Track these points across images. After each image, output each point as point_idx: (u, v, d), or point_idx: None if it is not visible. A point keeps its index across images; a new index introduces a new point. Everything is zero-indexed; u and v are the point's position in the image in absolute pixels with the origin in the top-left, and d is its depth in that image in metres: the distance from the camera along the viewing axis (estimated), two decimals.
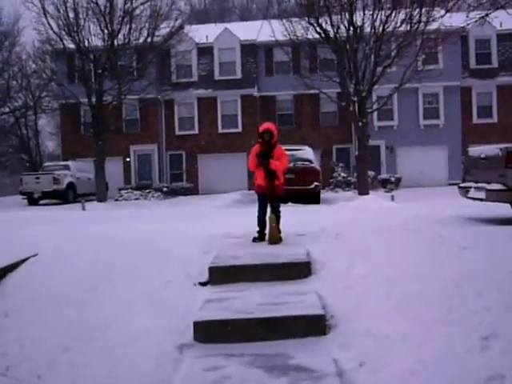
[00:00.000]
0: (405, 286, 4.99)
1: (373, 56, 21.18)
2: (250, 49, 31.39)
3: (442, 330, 4.17)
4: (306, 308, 4.66)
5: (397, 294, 4.85)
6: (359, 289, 5.11)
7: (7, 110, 42.42)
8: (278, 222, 7.27)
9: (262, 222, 7.36)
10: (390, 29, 20.71)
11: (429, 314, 4.43)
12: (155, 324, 4.59)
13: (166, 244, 6.92)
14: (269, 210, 7.34)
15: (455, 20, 21.12)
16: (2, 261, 6.20)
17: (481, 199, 8.80)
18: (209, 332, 4.44)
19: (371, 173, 25.29)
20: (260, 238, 7.32)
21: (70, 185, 24.48)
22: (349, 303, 4.83)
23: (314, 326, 4.48)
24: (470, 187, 9.14)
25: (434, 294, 4.78)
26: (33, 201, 24.07)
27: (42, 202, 24.15)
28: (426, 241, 6.52)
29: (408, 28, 20.75)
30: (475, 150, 9.38)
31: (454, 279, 5.04)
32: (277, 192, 7.41)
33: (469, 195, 9.21)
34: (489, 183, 8.44)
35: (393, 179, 27.72)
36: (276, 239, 7.11)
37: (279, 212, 7.39)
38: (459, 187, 9.77)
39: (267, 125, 7.39)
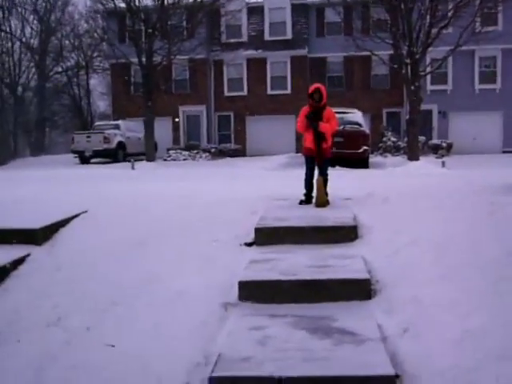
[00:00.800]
0: (454, 254, 4.89)
1: (428, 16, 20.42)
2: (300, 9, 30.76)
3: (492, 300, 4.07)
4: (352, 272, 4.64)
5: (445, 262, 4.76)
6: (406, 255, 5.03)
7: (60, 69, 43.33)
8: (325, 185, 7.22)
9: (309, 185, 7.33)
10: None
11: (479, 282, 4.32)
12: (201, 282, 4.66)
13: (214, 204, 6.98)
14: (316, 172, 7.29)
15: None
16: (55, 216, 6.39)
17: None
18: (253, 292, 4.47)
19: (422, 138, 24.68)
20: (307, 200, 7.30)
21: (120, 144, 24.85)
22: (395, 269, 4.77)
23: (359, 289, 4.45)
24: None
25: (485, 262, 4.66)
26: (84, 159, 24.61)
27: (92, 160, 24.67)
28: (478, 208, 6.34)
29: None
30: None
31: (506, 248, 4.90)
32: (325, 155, 7.34)
33: None
34: None
35: (444, 145, 27.03)
36: (323, 202, 7.07)
37: (327, 175, 7.34)
38: None
39: (317, 85, 7.28)
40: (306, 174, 7.39)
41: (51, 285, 4.81)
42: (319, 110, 7.20)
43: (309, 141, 7.32)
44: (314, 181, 7.26)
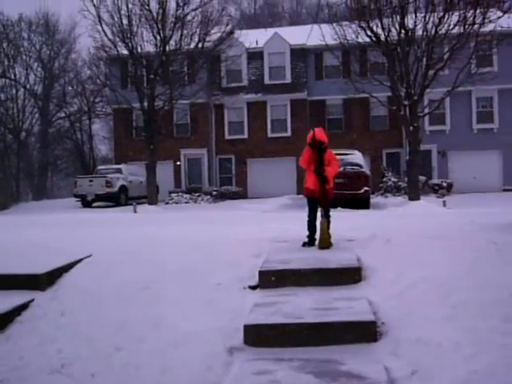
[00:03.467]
0: (458, 294, 4.88)
1: (425, 59, 20.80)
2: (299, 53, 31.38)
3: (497, 340, 4.05)
4: (357, 314, 4.62)
5: (450, 302, 4.75)
6: (411, 296, 5.02)
7: (63, 114, 43.96)
8: (328, 227, 7.24)
9: (312, 227, 7.34)
10: (443, 31, 20.29)
11: (484, 323, 4.31)
12: (205, 326, 4.64)
13: (217, 247, 6.98)
14: (319, 214, 7.31)
15: (511, 20, 20.55)
16: (58, 261, 6.40)
17: None
18: (259, 336, 4.45)
19: (422, 178, 24.82)
20: (310, 242, 7.29)
21: (122, 188, 25.02)
22: (400, 310, 4.75)
23: (365, 332, 4.43)
24: None
25: (490, 302, 4.65)
26: (86, 203, 24.72)
27: (95, 204, 24.76)
28: (481, 248, 6.34)
29: (461, 30, 20.27)
30: None
31: (511, 287, 4.89)
32: (328, 196, 7.40)
33: None
34: None
35: (444, 184, 27.14)
36: (327, 244, 7.09)
37: (329, 216, 7.36)
38: None
39: (318, 134, 7.28)
40: (309, 215, 7.39)
41: (55, 330, 4.80)
42: (320, 153, 7.29)
43: (310, 182, 7.37)
44: (317, 222, 7.28)
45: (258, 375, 3.83)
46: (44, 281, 5.81)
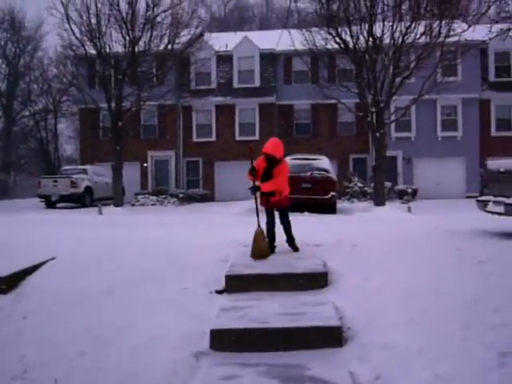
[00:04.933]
0: (422, 300, 4.97)
1: (392, 67, 21.07)
2: (268, 57, 31.47)
3: (459, 344, 4.14)
4: (323, 319, 4.66)
5: (414, 308, 4.83)
6: (376, 301, 5.09)
7: (27, 113, 43.09)
8: (288, 232, 7.17)
9: (270, 234, 7.17)
10: (410, 40, 20.61)
11: (446, 328, 4.40)
12: (171, 331, 4.61)
13: (182, 251, 6.95)
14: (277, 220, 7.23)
15: (475, 33, 21.02)
16: (22, 263, 6.27)
17: (499, 213, 8.71)
18: (225, 340, 4.45)
19: (388, 183, 25.15)
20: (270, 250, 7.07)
21: (88, 189, 24.65)
22: (365, 315, 4.81)
23: (331, 337, 4.47)
24: (489, 201, 9.06)
25: (452, 308, 4.75)
26: (50, 204, 24.27)
27: (59, 205, 24.35)
28: (444, 254, 6.48)
29: (427, 40, 20.63)
30: (494, 164, 9.29)
31: (472, 294, 5.00)
32: (280, 206, 7.23)
33: (487, 209, 9.13)
34: (508, 197, 8.35)
35: (409, 190, 27.53)
36: (259, 254, 6.73)
37: (288, 222, 7.21)
38: (477, 201, 9.67)
39: (268, 147, 7.02)
40: (267, 223, 7.24)
41: (17, 335, 4.69)
42: (272, 165, 7.07)
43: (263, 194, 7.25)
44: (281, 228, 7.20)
45: (223, 380, 3.83)
46: (6, 284, 5.69)
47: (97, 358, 4.21)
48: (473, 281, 5.36)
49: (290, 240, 7.23)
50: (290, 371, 3.98)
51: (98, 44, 23.76)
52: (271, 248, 7.12)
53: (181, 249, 7.07)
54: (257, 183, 7.13)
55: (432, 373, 3.72)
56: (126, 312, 5.04)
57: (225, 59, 31.40)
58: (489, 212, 9.12)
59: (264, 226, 7.16)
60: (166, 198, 27.15)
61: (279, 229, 7.22)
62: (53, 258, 6.67)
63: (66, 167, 29.32)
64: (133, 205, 25.58)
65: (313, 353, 4.32)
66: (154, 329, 4.65)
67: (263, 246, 6.85)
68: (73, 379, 3.96)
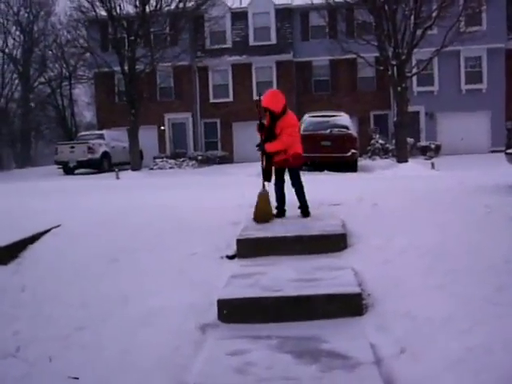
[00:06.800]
0: (449, 262, 4.55)
1: (412, 17, 20.21)
2: (284, 13, 30.50)
3: (491, 311, 3.72)
4: (341, 285, 4.26)
5: (440, 271, 4.42)
6: (399, 264, 4.69)
7: (43, 80, 42.77)
8: (301, 195, 6.59)
9: (278, 197, 6.67)
10: None
11: (477, 293, 3.97)
12: (177, 301, 4.27)
13: (194, 214, 6.61)
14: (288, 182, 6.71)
15: None
16: (24, 232, 5.97)
17: None
18: (234, 311, 4.09)
19: (410, 140, 24.43)
20: (278, 214, 6.61)
21: (105, 154, 24.37)
22: (388, 280, 4.42)
23: (350, 305, 4.09)
24: None
25: (482, 270, 4.32)
26: (68, 170, 24.13)
27: (77, 171, 24.20)
28: (472, 211, 6.02)
29: None
30: None
31: (504, 254, 4.56)
32: (290, 165, 6.66)
33: None
34: None
35: (432, 146, 26.84)
36: (262, 217, 6.31)
37: (300, 185, 6.62)
38: (506, 153, 9.12)
39: (265, 100, 6.44)
40: (275, 185, 6.67)
41: (13, 308, 4.39)
42: (275, 120, 6.49)
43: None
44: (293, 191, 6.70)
45: (231, 356, 3.48)
46: (5, 254, 5.38)
47: (94, 333, 3.87)
48: (504, 239, 4.92)
49: (304, 206, 6.59)
50: (304, 344, 3.61)
51: (108, 5, 23.18)
52: (280, 212, 6.64)
53: (192, 212, 6.73)
54: None
55: (464, 345, 3.30)
56: (130, 282, 4.71)
57: (239, 16, 30.53)
58: None
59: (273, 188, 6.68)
60: (184, 160, 26.89)
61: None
62: (57, 226, 6.35)
63: (83, 133, 29.03)
64: (151, 169, 25.36)
65: (330, 323, 3.94)
66: (158, 299, 4.31)
67: (266, 209, 6.39)
68: (68, 356, 3.65)
